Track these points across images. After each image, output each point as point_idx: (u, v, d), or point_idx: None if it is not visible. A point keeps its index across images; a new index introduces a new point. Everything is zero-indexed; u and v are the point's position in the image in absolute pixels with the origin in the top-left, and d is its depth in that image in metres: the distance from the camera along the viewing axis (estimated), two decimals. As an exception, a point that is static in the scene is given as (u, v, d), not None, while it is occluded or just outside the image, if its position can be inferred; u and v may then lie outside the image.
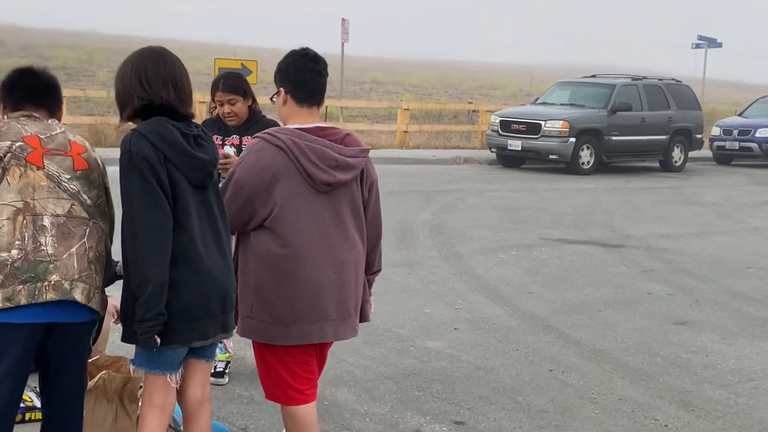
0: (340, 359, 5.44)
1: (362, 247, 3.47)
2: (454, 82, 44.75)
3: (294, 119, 3.42)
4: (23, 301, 2.84)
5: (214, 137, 4.27)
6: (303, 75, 3.41)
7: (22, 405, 3.29)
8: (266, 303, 3.27)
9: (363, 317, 3.64)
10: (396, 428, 4.41)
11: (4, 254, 2.86)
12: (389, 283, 7.50)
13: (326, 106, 22.82)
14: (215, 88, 4.74)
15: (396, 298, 6.99)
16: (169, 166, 2.90)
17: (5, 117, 3.13)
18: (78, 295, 2.92)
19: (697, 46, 28.33)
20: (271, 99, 3.54)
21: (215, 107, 4.77)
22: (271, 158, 3.28)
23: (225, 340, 4.64)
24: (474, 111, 24.01)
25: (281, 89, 3.46)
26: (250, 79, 18.85)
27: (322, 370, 3.71)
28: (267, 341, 3.36)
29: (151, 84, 2.98)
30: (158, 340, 2.85)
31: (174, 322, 2.88)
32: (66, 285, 2.90)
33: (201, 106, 18.76)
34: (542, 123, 17.26)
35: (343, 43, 22.12)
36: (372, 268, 3.66)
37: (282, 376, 3.41)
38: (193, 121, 3.14)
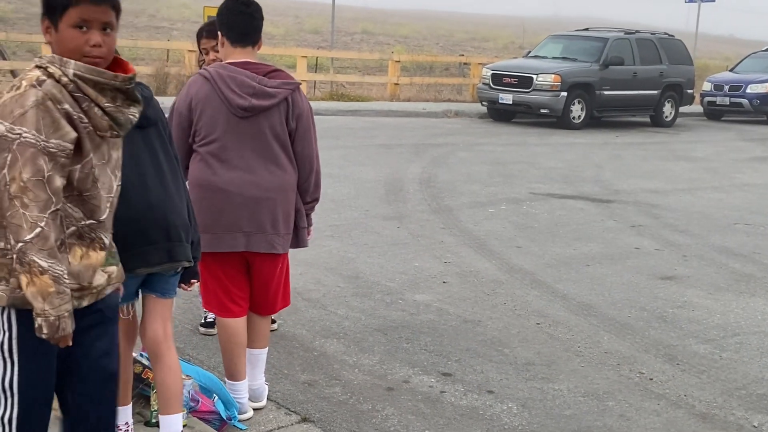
0: (329, 311, 5.47)
1: (286, 172, 3.71)
2: (446, 33, 44.37)
3: (230, 59, 3.71)
4: None
5: None
6: (234, 18, 3.68)
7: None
8: (197, 214, 3.46)
9: (299, 243, 3.87)
10: (384, 379, 4.45)
11: None
12: (378, 237, 7.53)
13: (316, 57, 22.68)
14: (200, 36, 4.71)
15: (385, 252, 7.01)
16: None
17: None
18: None
19: (691, 0, 28.11)
20: None
21: (203, 59, 4.73)
22: (198, 87, 3.67)
23: None
24: (465, 64, 23.85)
25: (219, 32, 3.76)
26: (239, 28, 18.69)
27: (267, 292, 3.84)
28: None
29: None
30: None
31: None
32: None
33: (190, 55, 18.62)
34: (534, 77, 17.18)
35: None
36: (306, 197, 3.85)
37: (213, 286, 3.80)
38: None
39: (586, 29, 19.84)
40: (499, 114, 18.18)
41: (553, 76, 17.03)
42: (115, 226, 2.58)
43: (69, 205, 2.36)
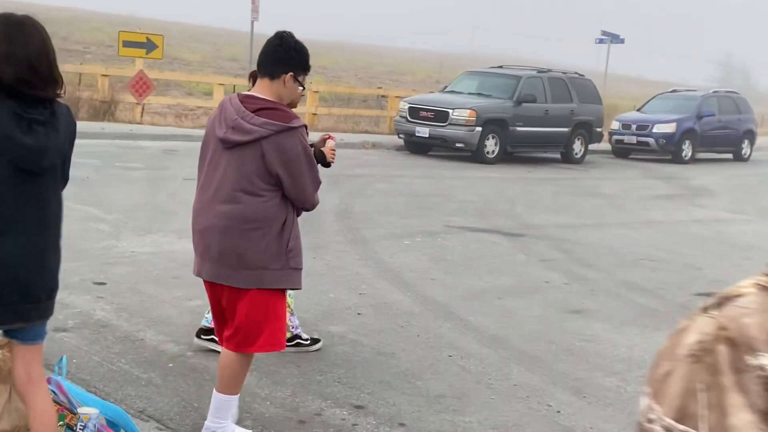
0: (242, 342, 5.42)
1: (244, 204, 3.72)
2: (364, 66, 44.72)
3: (253, 89, 3.90)
4: None
5: None
6: (262, 49, 3.88)
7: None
8: None
9: (263, 283, 3.74)
10: (296, 412, 4.43)
11: None
12: (293, 267, 7.50)
13: (234, 85, 22.55)
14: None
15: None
16: None
17: None
18: None
19: (600, 41, 29.06)
20: None
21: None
22: (213, 113, 3.89)
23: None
24: (383, 96, 24.09)
25: None
26: (155, 54, 18.49)
27: (233, 329, 3.80)
28: None
29: None
30: None
31: None
32: None
33: (103, 80, 18.29)
34: (450, 111, 17.46)
35: (252, 21, 21.84)
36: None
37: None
38: (54, 102, 2.97)
39: (501, 66, 20.30)
40: (416, 147, 18.40)
41: (468, 111, 17.35)
42: None
43: None
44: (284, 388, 4.74)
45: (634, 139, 21.51)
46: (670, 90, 24.71)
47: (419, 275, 7.57)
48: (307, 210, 3.94)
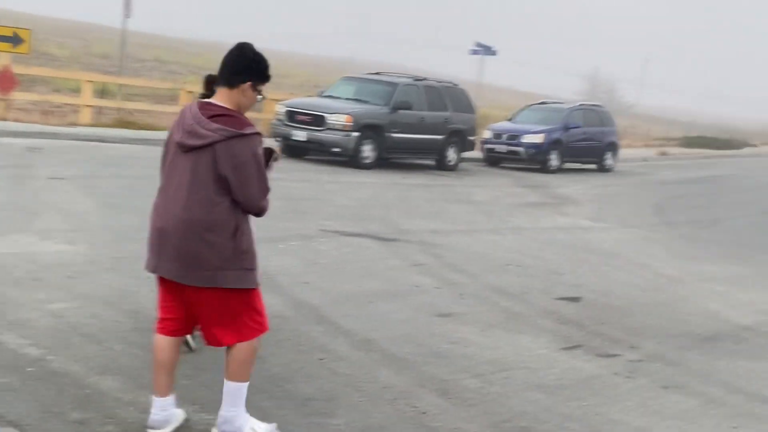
0: (105, 346, 5.30)
1: (199, 207, 3.86)
2: (242, 67, 44.28)
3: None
4: None
5: None
6: (223, 59, 4.02)
7: None
8: None
9: (217, 282, 3.91)
10: (162, 417, 4.35)
11: None
12: (163, 270, 7.37)
13: (103, 84, 21.93)
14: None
15: (169, 285, 6.87)
16: None
17: None
18: None
19: (475, 52, 29.79)
20: None
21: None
22: (175, 119, 4.05)
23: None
24: (260, 98, 23.90)
25: None
26: (21, 48, 17.76)
27: (206, 323, 4.05)
28: None
29: None
30: None
31: None
32: None
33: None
34: (327, 116, 17.52)
35: (125, 18, 21.31)
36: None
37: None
38: None
39: (378, 73, 20.52)
40: (293, 150, 18.34)
41: (345, 116, 17.45)
42: None
43: None
44: (149, 392, 4.65)
45: (504, 149, 22.12)
46: (539, 102, 25.57)
47: (292, 279, 7.57)
48: (256, 215, 4.04)
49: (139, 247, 8.02)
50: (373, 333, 6.25)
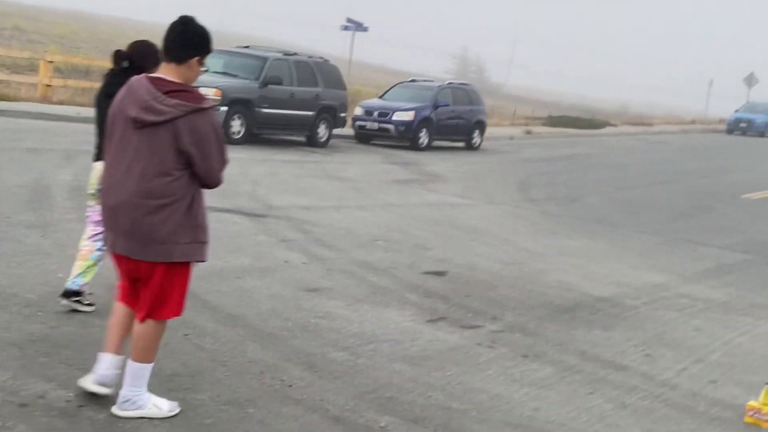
0: (-43, 325, 5.05)
1: (156, 182, 3.89)
2: (105, 37, 42.72)
3: (158, 72, 4.05)
4: None
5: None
6: (166, 34, 4.00)
7: None
8: None
9: (163, 256, 3.98)
10: (17, 395, 4.20)
11: None
12: (18, 245, 7.09)
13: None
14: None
15: (26, 261, 6.62)
16: None
17: None
18: None
19: (346, 28, 29.81)
20: None
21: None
22: (121, 93, 4.02)
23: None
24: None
25: None
26: None
27: (145, 299, 4.10)
28: None
29: None
30: None
31: None
32: None
33: None
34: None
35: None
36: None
37: None
38: None
39: (247, 47, 20.22)
40: (159, 124, 17.85)
41: (214, 90, 17.12)
42: None
43: None
44: (4, 370, 4.48)
45: (375, 126, 22.26)
46: (409, 80, 25.83)
47: (157, 254, 7.40)
48: (211, 187, 4.10)
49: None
50: (240, 308, 6.21)
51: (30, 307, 5.57)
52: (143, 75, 4.03)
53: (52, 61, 20.68)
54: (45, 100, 19.52)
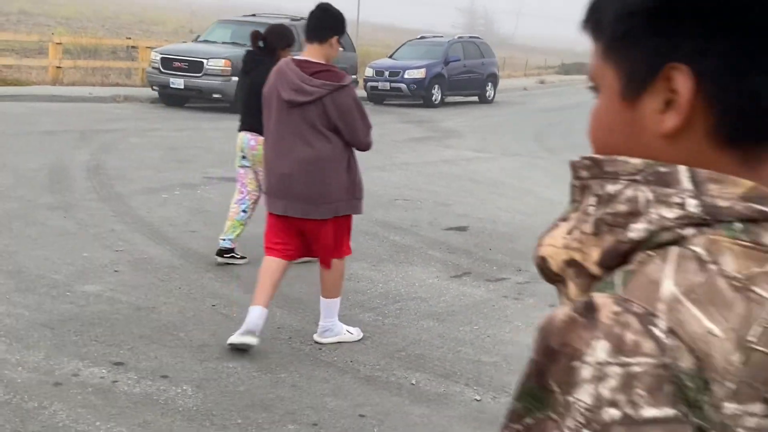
0: (-13, 310, 5.12)
1: (321, 148, 4.50)
2: (111, 15, 42.60)
3: (302, 54, 4.64)
4: None
5: None
6: (308, 19, 4.63)
7: None
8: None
9: (341, 210, 4.64)
10: (51, 375, 4.26)
11: None
12: (43, 227, 7.14)
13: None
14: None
15: (51, 243, 6.67)
16: None
17: None
18: None
19: (353, -11, 29.50)
20: None
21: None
22: (271, 77, 4.62)
23: None
24: (133, 47, 23.12)
25: None
26: None
27: (322, 250, 4.75)
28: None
29: None
30: None
31: None
32: None
33: None
34: (204, 61, 17.09)
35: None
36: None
37: (266, 232, 4.84)
38: None
39: (254, 15, 20.09)
40: (171, 99, 17.87)
41: (224, 61, 17.06)
42: None
43: None
44: (37, 351, 4.54)
45: (387, 85, 22.14)
46: (418, 37, 25.61)
47: (179, 228, 7.45)
48: (362, 150, 4.69)
49: (16, 205, 7.75)
50: (264, 276, 6.22)
51: (57, 288, 5.63)
52: (290, 58, 4.62)
53: (60, 43, 20.68)
54: (56, 82, 19.54)
